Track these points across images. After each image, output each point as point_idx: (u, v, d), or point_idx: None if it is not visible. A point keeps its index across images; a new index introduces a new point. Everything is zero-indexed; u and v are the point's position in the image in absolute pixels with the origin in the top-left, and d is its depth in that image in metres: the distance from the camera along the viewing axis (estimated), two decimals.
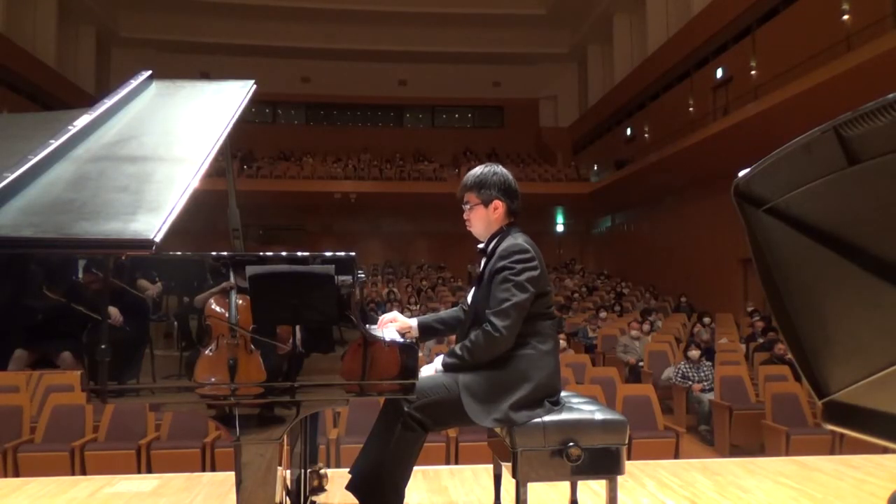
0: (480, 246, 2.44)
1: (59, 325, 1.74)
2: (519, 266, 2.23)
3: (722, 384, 6.96)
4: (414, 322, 2.53)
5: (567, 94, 25.96)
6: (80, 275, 1.76)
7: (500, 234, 2.40)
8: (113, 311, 1.74)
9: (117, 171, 1.99)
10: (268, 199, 19.43)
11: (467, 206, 2.45)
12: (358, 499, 2.20)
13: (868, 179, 1.06)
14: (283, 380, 1.81)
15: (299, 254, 1.84)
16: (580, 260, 23.55)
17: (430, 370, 2.30)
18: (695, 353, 7.87)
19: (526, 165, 22.81)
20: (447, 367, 2.26)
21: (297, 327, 1.82)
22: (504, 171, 2.46)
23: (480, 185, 2.41)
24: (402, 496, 2.20)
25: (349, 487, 2.20)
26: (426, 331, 2.55)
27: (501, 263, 2.24)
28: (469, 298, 2.49)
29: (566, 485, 2.74)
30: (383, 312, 2.68)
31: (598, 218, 23.73)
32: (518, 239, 2.32)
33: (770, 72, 11.98)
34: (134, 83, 2.52)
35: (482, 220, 2.42)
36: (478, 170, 2.46)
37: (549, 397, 2.24)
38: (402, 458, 2.19)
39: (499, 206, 2.39)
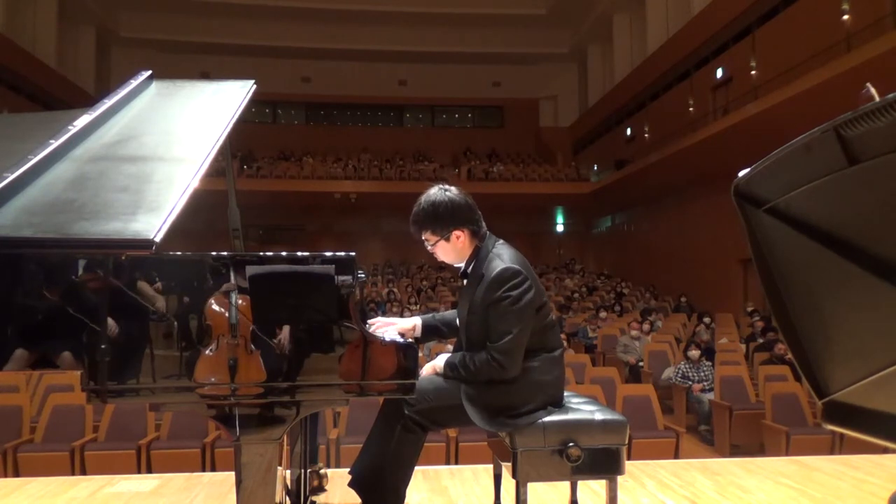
0: (460, 266, 2.32)
1: (59, 325, 1.74)
2: (516, 292, 2.10)
3: (722, 384, 6.96)
4: (418, 320, 2.48)
5: (567, 94, 25.94)
6: (80, 275, 1.76)
7: (478, 253, 2.25)
8: (109, 321, 1.73)
9: (117, 171, 1.99)
10: (268, 199, 19.43)
11: (428, 244, 2.29)
12: (359, 494, 2.19)
13: (868, 179, 1.06)
14: (283, 380, 1.81)
15: (299, 254, 1.83)
16: (580, 260, 23.53)
17: (430, 368, 2.29)
18: (695, 353, 7.87)
19: (526, 165, 22.79)
20: (447, 378, 2.22)
21: (297, 327, 1.82)
22: (451, 194, 2.22)
23: (433, 222, 2.22)
24: (402, 498, 2.19)
25: (352, 484, 2.20)
26: (430, 331, 2.48)
27: (497, 294, 2.10)
28: (457, 320, 2.38)
29: (566, 485, 2.74)
30: (383, 312, 2.65)
31: (598, 218, 23.73)
32: (504, 257, 2.17)
33: (770, 72, 11.97)
34: (134, 83, 2.53)
35: (449, 252, 2.28)
36: (424, 205, 2.22)
37: (552, 404, 2.22)
38: (402, 460, 2.18)
39: (460, 234, 2.23)
